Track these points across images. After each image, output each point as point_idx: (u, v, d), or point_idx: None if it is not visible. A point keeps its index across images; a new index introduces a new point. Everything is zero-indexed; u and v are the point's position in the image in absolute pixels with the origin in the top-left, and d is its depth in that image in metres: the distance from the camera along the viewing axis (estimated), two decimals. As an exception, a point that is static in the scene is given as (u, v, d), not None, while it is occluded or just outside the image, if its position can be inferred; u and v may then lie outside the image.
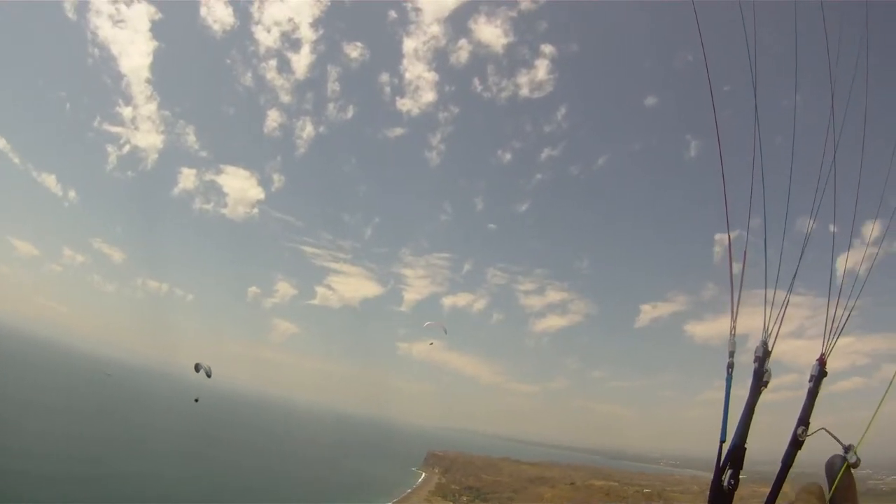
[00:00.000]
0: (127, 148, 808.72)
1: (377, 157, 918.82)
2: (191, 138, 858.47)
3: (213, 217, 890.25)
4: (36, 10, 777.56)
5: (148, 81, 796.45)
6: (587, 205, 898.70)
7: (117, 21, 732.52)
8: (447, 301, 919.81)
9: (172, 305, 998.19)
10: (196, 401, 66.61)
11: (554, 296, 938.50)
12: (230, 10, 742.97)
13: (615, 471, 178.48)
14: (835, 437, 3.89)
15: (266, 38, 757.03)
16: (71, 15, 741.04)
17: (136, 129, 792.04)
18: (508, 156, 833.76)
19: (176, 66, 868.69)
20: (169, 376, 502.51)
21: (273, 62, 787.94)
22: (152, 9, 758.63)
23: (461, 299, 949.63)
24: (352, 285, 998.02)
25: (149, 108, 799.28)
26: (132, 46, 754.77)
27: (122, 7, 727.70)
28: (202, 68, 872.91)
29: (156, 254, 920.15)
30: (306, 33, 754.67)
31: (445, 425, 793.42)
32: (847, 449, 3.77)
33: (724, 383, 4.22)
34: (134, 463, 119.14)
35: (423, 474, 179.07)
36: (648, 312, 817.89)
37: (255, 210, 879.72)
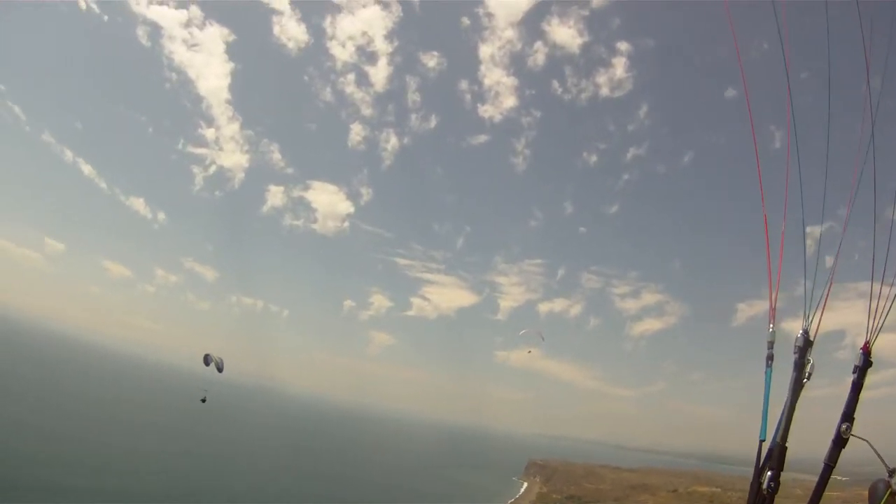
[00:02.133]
0: (213, 168, 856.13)
1: (463, 165, 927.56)
2: (276, 156, 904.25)
3: (304, 232, 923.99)
4: (111, 40, 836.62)
5: (228, 102, 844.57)
6: (675, 203, 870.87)
7: (192, 45, 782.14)
8: (543, 307, 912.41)
9: (268, 321, 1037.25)
10: (203, 401, 62.16)
11: (649, 298, 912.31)
12: (303, 27, 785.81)
13: (717, 475, 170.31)
14: (879, 456, 3.44)
15: (342, 52, 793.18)
16: (145, 42, 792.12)
17: (221, 149, 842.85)
18: (594, 157, 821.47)
19: (254, 86, 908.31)
20: (267, 391, 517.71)
21: (351, 76, 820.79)
22: (225, 31, 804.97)
23: (557, 305, 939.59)
24: (447, 295, 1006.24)
25: (231, 129, 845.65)
26: (208, 69, 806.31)
27: (196, 31, 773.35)
28: (281, 86, 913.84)
29: (249, 271, 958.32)
30: (381, 46, 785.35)
31: (544, 433, 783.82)
32: (892, 473, 3.38)
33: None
34: (237, 479, 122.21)
35: (525, 483, 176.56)
36: (745, 311, 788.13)
37: (346, 224, 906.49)
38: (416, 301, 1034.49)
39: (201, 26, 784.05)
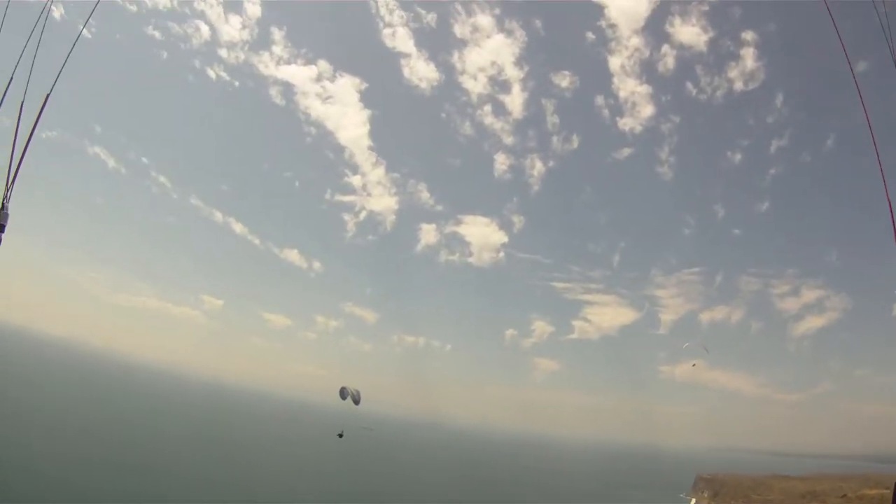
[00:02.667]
0: (363, 214, 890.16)
1: (610, 181, 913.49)
2: (424, 195, 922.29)
3: (460, 267, 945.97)
4: (246, 103, 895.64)
5: (370, 149, 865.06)
6: (824, 191, 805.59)
7: (325, 98, 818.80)
8: (704, 317, 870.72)
9: (431, 357, 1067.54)
10: (340, 436, 61.41)
11: (809, 295, 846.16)
12: (432, 66, 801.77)
13: (888, 476, 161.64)
14: None
15: (474, 85, 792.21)
16: (279, 101, 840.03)
17: (369, 194, 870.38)
18: (738, 156, 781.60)
19: (393, 129, 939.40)
20: (434, 426, 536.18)
21: (488, 107, 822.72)
22: (356, 80, 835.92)
23: (717, 313, 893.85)
24: (607, 314, 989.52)
25: (377, 173, 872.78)
26: (346, 119, 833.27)
27: (327, 84, 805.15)
28: (419, 126, 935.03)
29: (408, 309, 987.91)
30: (512, 73, 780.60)
31: (712, 445, 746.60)
32: None
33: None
34: None
35: (693, 500, 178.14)
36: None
37: (501, 254, 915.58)
38: (577, 324, 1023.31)
39: (332, 79, 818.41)
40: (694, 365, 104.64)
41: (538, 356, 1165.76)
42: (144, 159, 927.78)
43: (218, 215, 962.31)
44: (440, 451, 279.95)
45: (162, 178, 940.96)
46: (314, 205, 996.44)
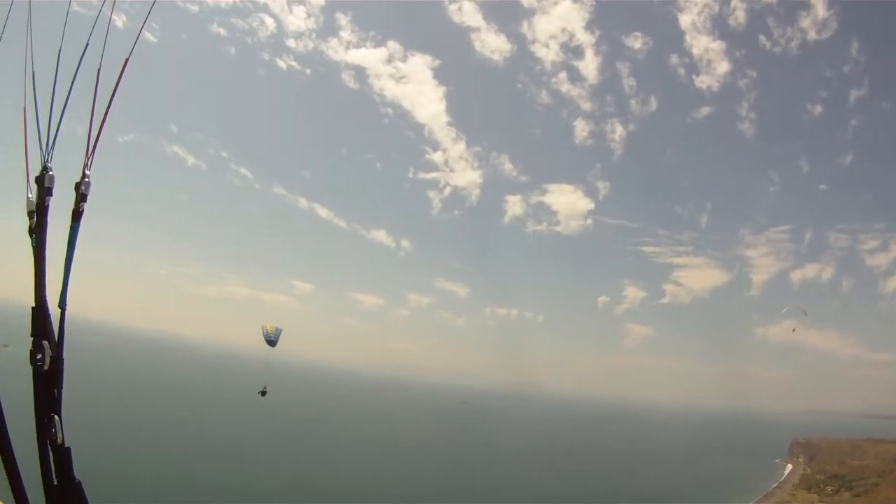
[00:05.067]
0: (448, 190, 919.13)
1: (692, 141, 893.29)
2: (507, 166, 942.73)
3: (548, 236, 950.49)
4: (320, 90, 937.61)
5: (449, 124, 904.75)
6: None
7: (399, 79, 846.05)
8: (795, 276, 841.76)
9: (524, 328, 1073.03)
10: (263, 393, 58.24)
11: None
12: (503, 37, 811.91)
13: None
14: None
15: (547, 53, 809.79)
16: (353, 85, 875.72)
17: (451, 170, 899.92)
18: (818, 108, 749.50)
19: (470, 103, 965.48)
20: (528, 397, 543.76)
21: (563, 74, 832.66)
22: (428, 57, 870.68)
23: (809, 271, 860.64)
24: (698, 277, 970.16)
25: (458, 149, 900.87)
26: (422, 97, 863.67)
27: (399, 64, 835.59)
28: (496, 98, 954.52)
29: (499, 282, 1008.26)
30: (584, 38, 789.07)
31: (807, 409, 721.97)
32: None
33: None
34: (502, 481, 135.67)
35: (789, 466, 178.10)
36: None
37: (588, 221, 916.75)
38: (668, 287, 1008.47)
39: (403, 59, 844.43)
40: (794, 330, 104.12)
41: (630, 322, 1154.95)
42: (224, 153, 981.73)
43: (303, 202, 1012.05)
44: (534, 423, 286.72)
45: (243, 170, 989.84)
46: (398, 184, 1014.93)
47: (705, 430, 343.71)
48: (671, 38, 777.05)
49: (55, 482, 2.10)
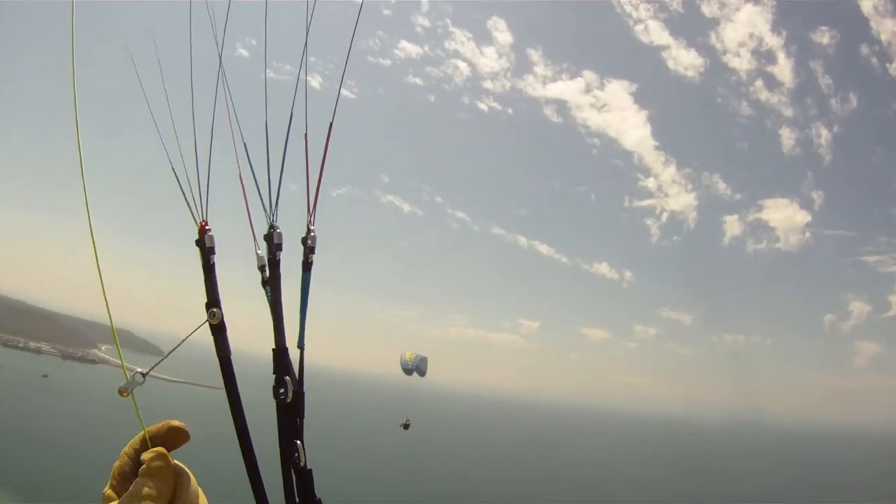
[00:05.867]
0: (664, 216, 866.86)
1: None
2: (720, 185, 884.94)
3: (769, 254, 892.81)
4: (525, 127, 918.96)
5: (656, 148, 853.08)
6: None
7: (600, 107, 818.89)
8: None
9: (751, 353, 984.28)
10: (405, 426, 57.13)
11: None
12: (693, 52, 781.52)
13: None
14: None
15: (740, 62, 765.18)
16: (556, 119, 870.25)
17: (666, 195, 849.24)
18: None
19: (674, 124, 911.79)
20: (755, 425, 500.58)
21: (759, 82, 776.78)
22: (625, 83, 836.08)
23: None
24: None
25: (669, 172, 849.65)
26: (625, 123, 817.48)
27: (598, 93, 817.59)
28: (698, 115, 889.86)
29: (723, 306, 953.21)
30: (772, 41, 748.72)
31: None
32: None
33: None
34: None
35: None
36: None
37: (807, 234, 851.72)
38: (894, 299, 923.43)
39: (601, 87, 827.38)
40: None
41: (858, 339, 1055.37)
42: (438, 199, 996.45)
43: (522, 240, 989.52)
44: (763, 452, 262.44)
45: (460, 214, 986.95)
46: (614, 214, 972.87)
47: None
48: (856, 26, 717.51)
49: (297, 501, 2.22)
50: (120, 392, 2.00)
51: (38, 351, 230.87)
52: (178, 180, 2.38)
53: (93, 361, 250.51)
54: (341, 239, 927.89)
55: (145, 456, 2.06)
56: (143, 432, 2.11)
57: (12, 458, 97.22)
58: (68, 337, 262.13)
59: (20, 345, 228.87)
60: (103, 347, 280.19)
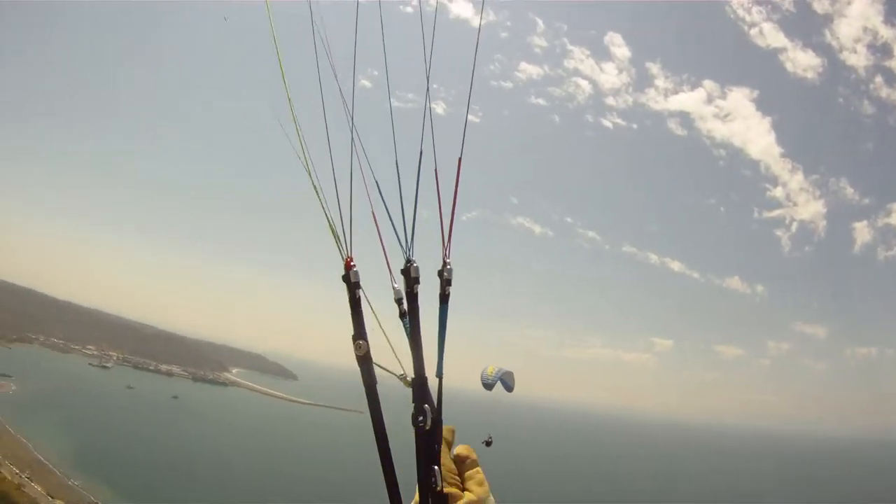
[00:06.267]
0: (794, 225, 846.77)
1: None
2: (848, 191, 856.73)
3: None
4: (650, 141, 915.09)
5: (783, 156, 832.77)
6: None
7: (724, 117, 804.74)
8: None
9: (887, 368, 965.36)
10: (488, 443, 53.07)
11: None
12: (809, 52, 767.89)
13: None
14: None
15: (857, 59, 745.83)
16: (680, 132, 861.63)
17: (794, 204, 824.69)
18: None
19: (798, 129, 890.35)
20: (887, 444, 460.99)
21: (879, 79, 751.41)
22: (745, 90, 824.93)
23: None
24: None
25: (796, 180, 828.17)
26: (750, 132, 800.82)
27: (720, 102, 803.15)
28: (821, 118, 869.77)
29: (857, 318, 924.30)
30: (886, 32, 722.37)
31: None
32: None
33: None
34: None
35: None
36: None
37: None
38: None
39: (722, 96, 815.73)
40: None
41: None
42: (568, 219, 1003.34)
43: (653, 257, 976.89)
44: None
45: (591, 233, 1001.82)
46: (744, 226, 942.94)
47: None
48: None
49: None
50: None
51: (169, 374, 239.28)
52: (328, 218, 2.38)
53: (223, 384, 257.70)
54: (473, 262, 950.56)
55: (461, 451, 2.37)
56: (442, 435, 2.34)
57: (132, 467, 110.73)
58: (199, 360, 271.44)
59: (151, 367, 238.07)
60: (234, 370, 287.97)
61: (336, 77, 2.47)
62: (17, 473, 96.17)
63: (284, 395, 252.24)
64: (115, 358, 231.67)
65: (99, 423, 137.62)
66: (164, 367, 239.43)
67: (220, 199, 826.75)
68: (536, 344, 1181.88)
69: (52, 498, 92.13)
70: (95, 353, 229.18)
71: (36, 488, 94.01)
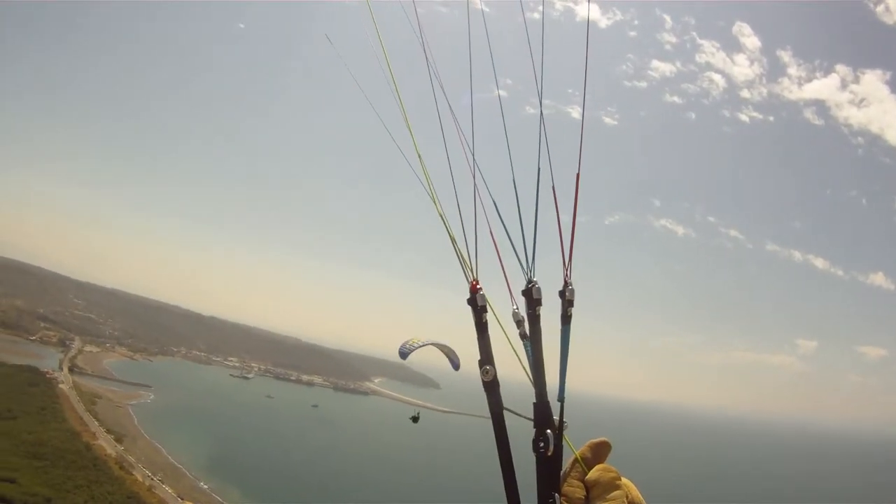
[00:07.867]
0: None
1: None
2: None
3: None
4: (787, 133, 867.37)
5: None
6: None
7: (859, 103, 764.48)
8: None
9: None
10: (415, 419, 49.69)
11: None
12: None
13: None
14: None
15: None
16: (817, 122, 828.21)
17: None
18: None
19: None
20: None
21: None
22: (878, 72, 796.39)
23: None
24: None
25: None
26: (888, 116, 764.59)
27: (854, 87, 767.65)
28: None
29: None
30: None
31: None
32: None
33: None
34: None
35: None
36: None
37: None
38: None
39: (856, 80, 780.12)
40: None
41: None
42: (711, 218, 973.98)
43: (797, 255, 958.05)
44: None
45: (733, 233, 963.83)
46: (887, 218, 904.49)
47: None
48: None
49: None
50: None
51: (310, 384, 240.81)
52: (453, 242, 2.51)
53: (364, 393, 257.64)
54: (616, 266, 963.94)
55: (592, 475, 2.24)
56: (573, 457, 2.24)
57: (264, 473, 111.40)
58: (342, 370, 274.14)
59: (293, 378, 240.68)
60: (376, 380, 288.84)
61: (448, 101, 2.54)
62: (149, 476, 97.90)
63: (423, 403, 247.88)
64: (256, 369, 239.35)
65: (235, 430, 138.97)
66: (305, 378, 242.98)
67: (353, 215, 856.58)
68: (683, 350, 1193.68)
69: (182, 499, 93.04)
70: (237, 364, 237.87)
71: (167, 490, 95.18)
